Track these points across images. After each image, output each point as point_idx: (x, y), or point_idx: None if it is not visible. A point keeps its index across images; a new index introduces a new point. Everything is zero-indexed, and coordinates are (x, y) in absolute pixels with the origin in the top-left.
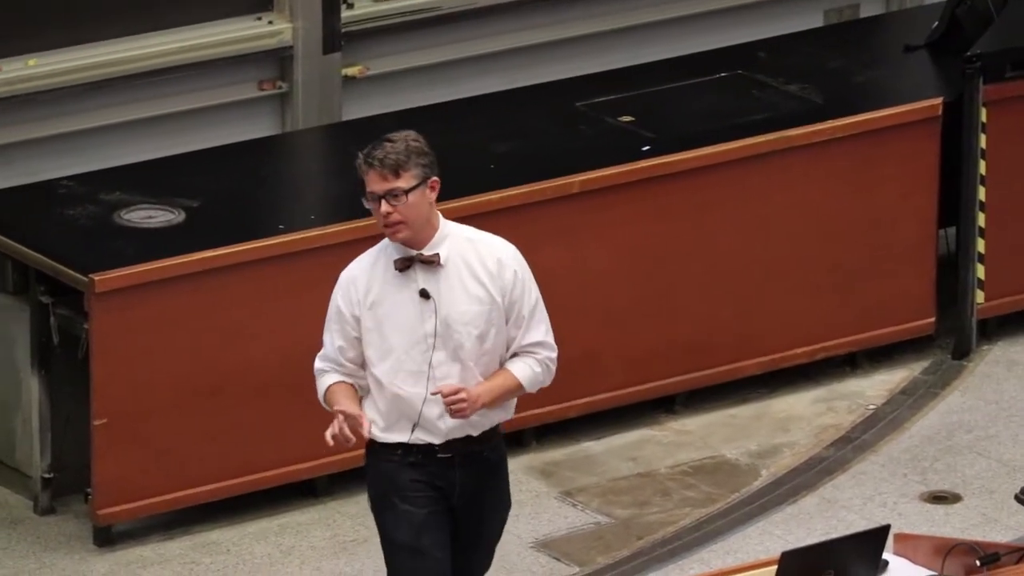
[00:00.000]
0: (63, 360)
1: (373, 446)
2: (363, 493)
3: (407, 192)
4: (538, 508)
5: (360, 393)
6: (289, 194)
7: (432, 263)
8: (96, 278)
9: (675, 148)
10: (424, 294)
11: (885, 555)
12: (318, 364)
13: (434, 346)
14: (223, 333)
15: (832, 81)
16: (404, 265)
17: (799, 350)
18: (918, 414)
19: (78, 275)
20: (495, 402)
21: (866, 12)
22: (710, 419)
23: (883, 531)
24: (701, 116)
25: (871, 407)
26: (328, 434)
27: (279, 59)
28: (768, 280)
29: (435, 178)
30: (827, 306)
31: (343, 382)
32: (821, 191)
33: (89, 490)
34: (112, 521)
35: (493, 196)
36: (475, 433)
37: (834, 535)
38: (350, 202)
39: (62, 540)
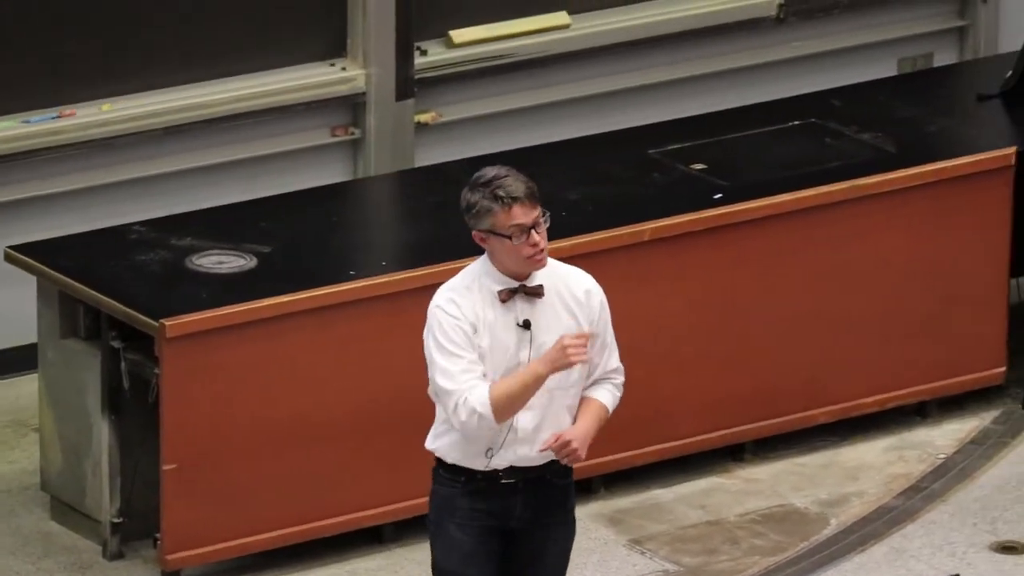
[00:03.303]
0: (133, 405)
1: (438, 468)
2: None
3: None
4: (606, 556)
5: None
6: (361, 240)
7: (537, 295)
8: (167, 323)
9: (747, 196)
10: (527, 325)
11: None
12: (453, 388)
13: None
14: (293, 379)
15: (905, 130)
16: (509, 296)
17: (869, 399)
18: (988, 463)
19: (149, 320)
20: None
21: (940, 61)
22: (779, 467)
23: None
24: (774, 164)
25: (941, 456)
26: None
27: (352, 105)
28: (839, 328)
29: None
30: (898, 355)
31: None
32: (893, 240)
33: (158, 535)
34: (181, 566)
35: (564, 243)
36: (540, 461)
37: None
38: (421, 249)
39: None
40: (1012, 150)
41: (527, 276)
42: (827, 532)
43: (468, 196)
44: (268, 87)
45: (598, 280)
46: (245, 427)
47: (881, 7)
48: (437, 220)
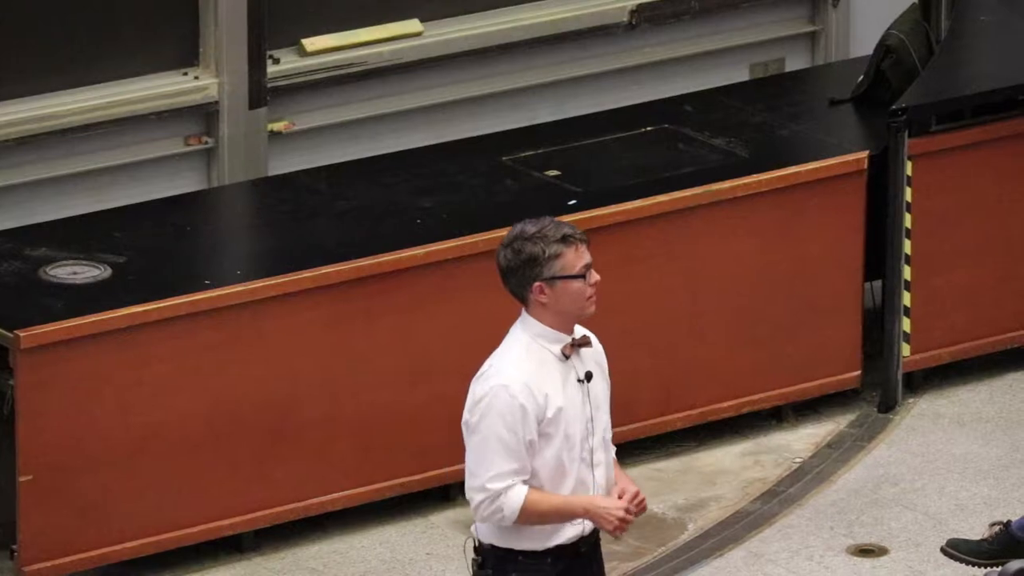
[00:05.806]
0: None
1: (507, 556)
2: (288, 548)
3: None
4: (465, 563)
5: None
6: (215, 249)
7: (587, 345)
8: (21, 334)
9: (601, 202)
10: (588, 377)
11: None
12: (492, 487)
13: (592, 431)
14: (149, 389)
15: (758, 135)
16: (572, 350)
17: (726, 403)
18: (844, 467)
19: (3, 331)
20: None
21: (792, 66)
22: (637, 472)
23: None
24: (627, 170)
25: (797, 460)
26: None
27: (205, 114)
28: (695, 333)
29: None
30: (754, 359)
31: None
32: (747, 244)
33: (15, 547)
34: None
35: (419, 251)
36: None
37: None
38: (276, 257)
39: None
40: (864, 154)
41: (572, 329)
42: (684, 537)
43: (529, 248)
44: (120, 97)
45: (452, 286)
46: (102, 437)
47: (732, 13)
48: (291, 228)
